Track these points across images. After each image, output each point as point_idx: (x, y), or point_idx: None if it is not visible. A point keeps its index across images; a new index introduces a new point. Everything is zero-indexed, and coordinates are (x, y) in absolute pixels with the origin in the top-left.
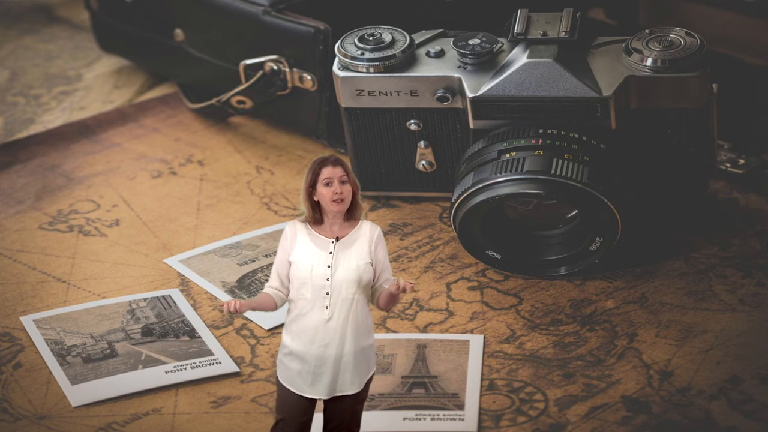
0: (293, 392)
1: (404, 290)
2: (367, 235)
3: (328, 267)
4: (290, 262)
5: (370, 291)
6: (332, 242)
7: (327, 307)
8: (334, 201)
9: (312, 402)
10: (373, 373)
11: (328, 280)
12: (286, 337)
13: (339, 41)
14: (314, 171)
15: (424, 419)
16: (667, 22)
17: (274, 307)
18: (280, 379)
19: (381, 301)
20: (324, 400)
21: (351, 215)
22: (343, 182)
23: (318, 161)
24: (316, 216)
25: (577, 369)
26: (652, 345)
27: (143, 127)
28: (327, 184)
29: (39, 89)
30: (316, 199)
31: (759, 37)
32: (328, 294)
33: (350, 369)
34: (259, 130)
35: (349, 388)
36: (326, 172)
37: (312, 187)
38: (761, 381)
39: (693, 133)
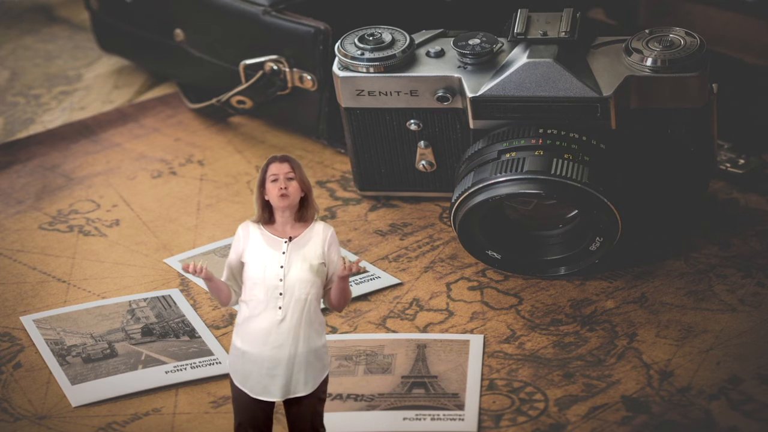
0: (249, 396)
1: (351, 270)
2: (320, 235)
3: (281, 267)
4: (243, 263)
5: (323, 291)
6: (285, 242)
7: (280, 308)
8: (279, 196)
9: (269, 404)
10: (328, 374)
11: (281, 280)
12: (236, 339)
13: (339, 41)
14: (263, 169)
15: (424, 419)
16: (667, 22)
17: (228, 299)
18: (235, 382)
19: (332, 297)
20: (284, 404)
21: (302, 216)
22: (289, 179)
23: (268, 159)
24: (265, 216)
25: (577, 369)
26: (652, 345)
27: (143, 127)
28: (273, 181)
29: (39, 89)
30: (266, 198)
31: (759, 37)
32: (281, 294)
33: (303, 370)
34: (259, 130)
35: (302, 389)
36: (273, 168)
37: (262, 185)
38: (761, 381)
39: (693, 133)
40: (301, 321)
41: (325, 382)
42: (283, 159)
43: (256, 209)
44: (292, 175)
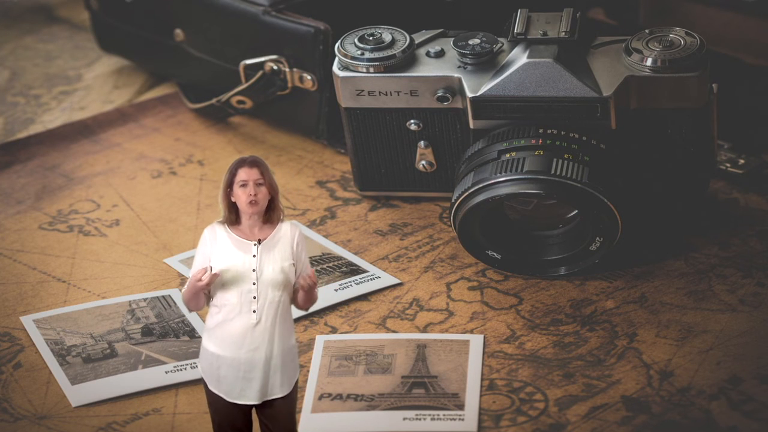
0: (225, 400)
1: (313, 281)
2: (288, 235)
3: (254, 271)
4: (211, 268)
5: (292, 291)
6: (254, 245)
7: (254, 311)
8: (248, 203)
9: (247, 405)
10: (299, 375)
11: (254, 284)
12: (209, 344)
13: (339, 41)
14: (231, 172)
15: (424, 419)
16: (667, 22)
17: (202, 304)
18: (211, 388)
19: (299, 299)
20: (257, 408)
21: (270, 218)
22: (258, 184)
23: (236, 162)
24: (232, 217)
25: (577, 369)
26: (652, 345)
27: (143, 127)
28: (242, 186)
29: (39, 89)
30: (233, 199)
31: (759, 37)
32: (255, 298)
33: (279, 371)
34: (259, 130)
35: (279, 390)
36: (242, 173)
37: (229, 187)
38: (761, 381)
39: (693, 133)
40: (276, 322)
41: (296, 384)
42: (253, 163)
43: (222, 210)
44: (261, 180)
